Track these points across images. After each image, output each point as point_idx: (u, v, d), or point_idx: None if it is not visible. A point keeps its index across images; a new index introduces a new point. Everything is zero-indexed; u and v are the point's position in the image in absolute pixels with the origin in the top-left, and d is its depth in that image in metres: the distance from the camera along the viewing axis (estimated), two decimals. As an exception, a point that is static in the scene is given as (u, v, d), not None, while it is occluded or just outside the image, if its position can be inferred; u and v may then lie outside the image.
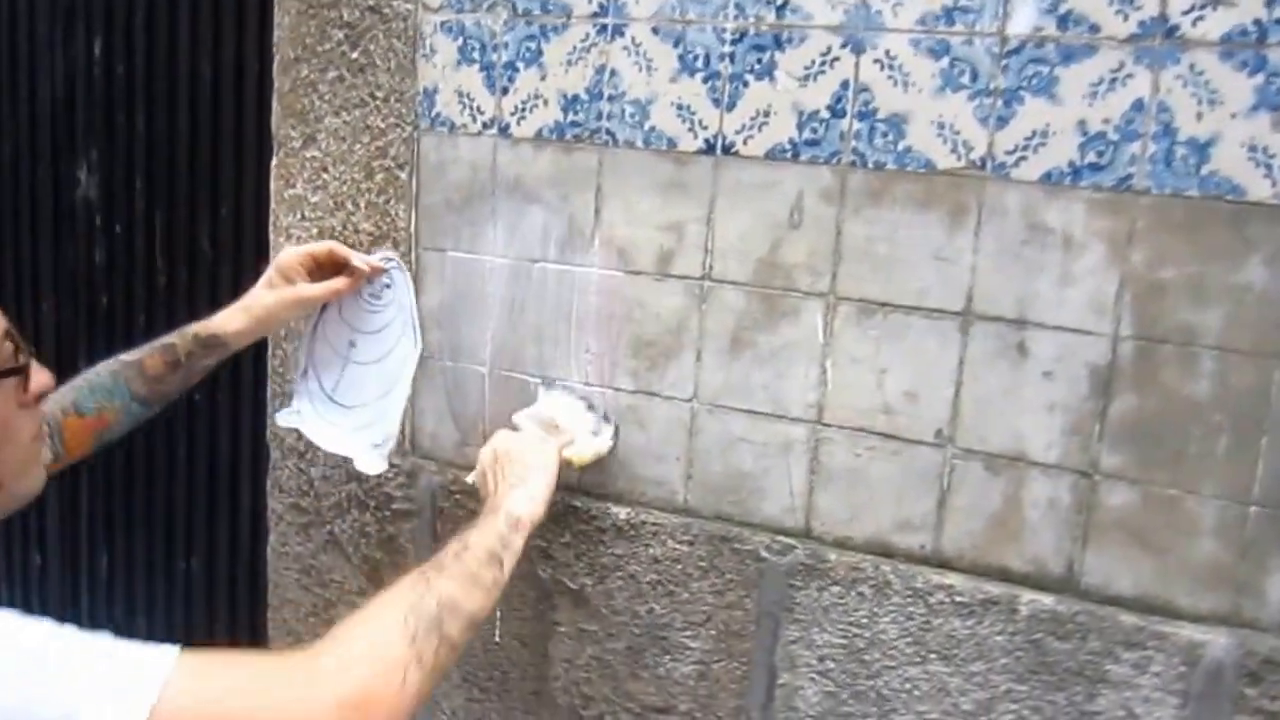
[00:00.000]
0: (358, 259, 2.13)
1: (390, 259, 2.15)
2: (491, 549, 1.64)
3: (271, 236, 2.37)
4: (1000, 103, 1.73)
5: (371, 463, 2.17)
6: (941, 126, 1.78)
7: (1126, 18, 1.65)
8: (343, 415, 2.17)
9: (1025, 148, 1.73)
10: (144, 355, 1.98)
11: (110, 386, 1.93)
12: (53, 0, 2.92)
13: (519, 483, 1.80)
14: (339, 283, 2.11)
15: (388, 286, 2.12)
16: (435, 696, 2.36)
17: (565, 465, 1.94)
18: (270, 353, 2.41)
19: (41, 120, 3.00)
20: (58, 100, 2.96)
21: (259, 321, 2.12)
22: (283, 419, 2.24)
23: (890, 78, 1.80)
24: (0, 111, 3.09)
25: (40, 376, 1.35)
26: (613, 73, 1.99)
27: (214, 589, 2.94)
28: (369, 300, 2.13)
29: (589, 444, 1.97)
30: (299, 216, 2.31)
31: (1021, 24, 1.71)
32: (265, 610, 2.58)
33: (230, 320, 2.08)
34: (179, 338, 2.02)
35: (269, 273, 2.10)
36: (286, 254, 2.10)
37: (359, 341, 2.14)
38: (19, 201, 3.11)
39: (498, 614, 2.23)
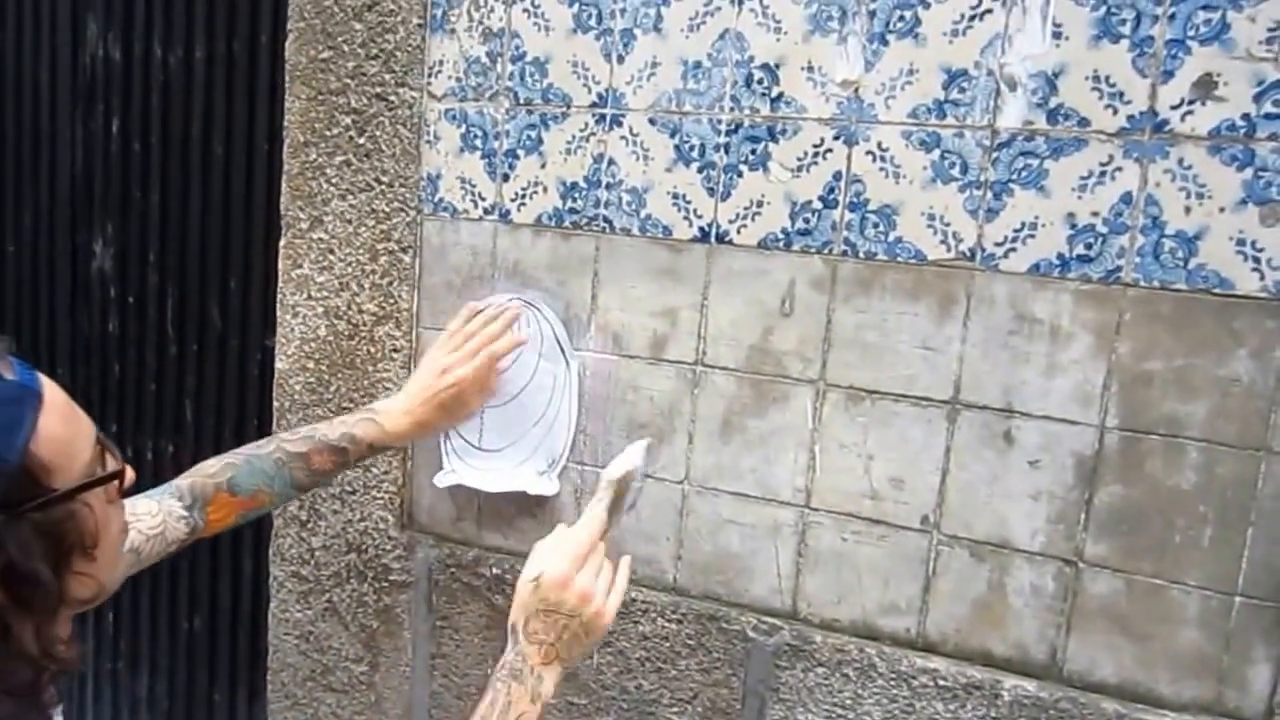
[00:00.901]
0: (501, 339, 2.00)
1: (505, 305, 2.04)
2: None
3: (279, 314, 2.28)
4: (990, 195, 1.66)
5: (544, 487, 2.05)
6: (932, 218, 1.70)
7: (1116, 112, 1.58)
8: (497, 459, 2.06)
9: (1014, 239, 1.66)
10: (310, 450, 1.87)
11: (272, 473, 1.84)
12: (74, 80, 2.86)
13: (565, 655, 1.49)
14: (491, 387, 2.00)
15: None
16: (427, 764, 2.27)
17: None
18: (275, 423, 2.32)
19: (60, 195, 2.94)
20: (76, 176, 2.90)
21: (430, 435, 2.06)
22: (441, 480, 2.12)
23: (882, 169, 1.73)
24: (21, 186, 3.03)
25: (128, 475, 1.28)
26: (610, 161, 1.92)
27: (215, 650, 2.84)
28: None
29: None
30: (305, 296, 2.23)
31: (1012, 118, 1.64)
32: (264, 673, 2.49)
33: (405, 436, 1.96)
34: (351, 444, 1.90)
35: (446, 400, 1.94)
36: (465, 377, 1.94)
37: None
38: (38, 272, 3.05)
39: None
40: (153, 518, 1.68)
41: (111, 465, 1.24)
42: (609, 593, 1.53)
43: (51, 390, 1.17)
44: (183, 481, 1.77)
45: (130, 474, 1.28)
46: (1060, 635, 1.71)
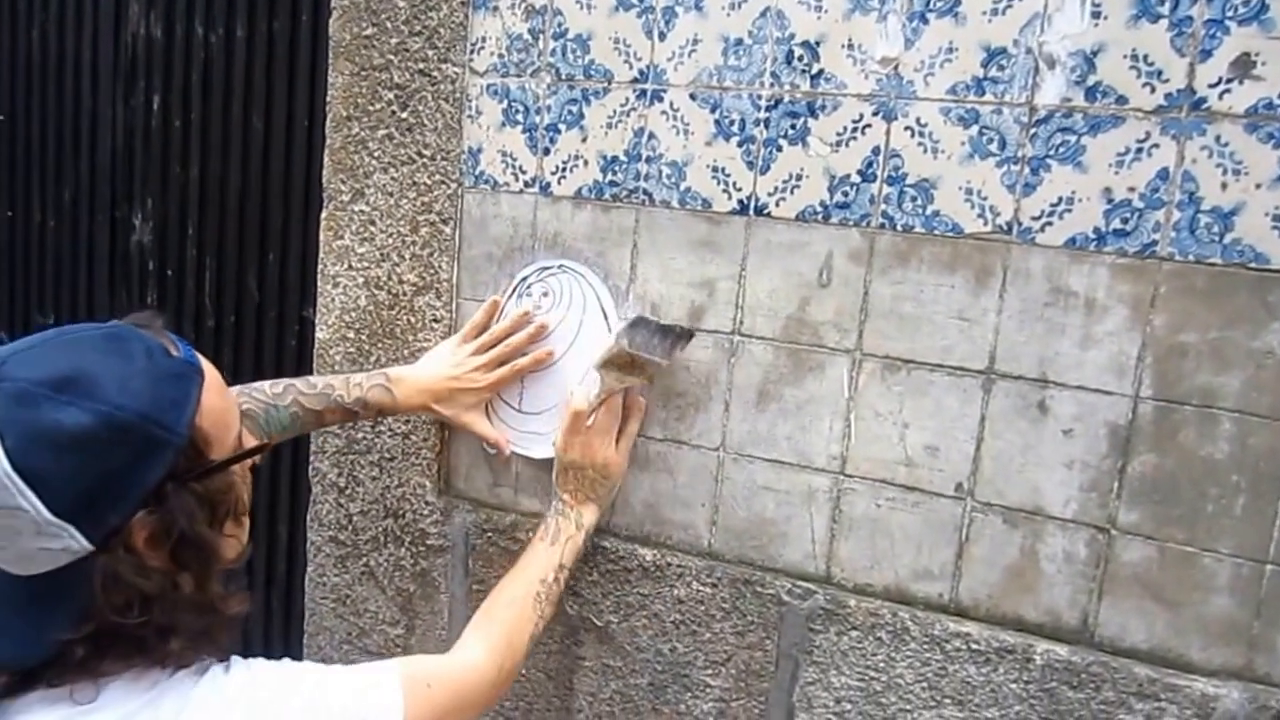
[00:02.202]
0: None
1: (547, 268, 2.03)
2: (572, 569, 1.89)
3: (319, 284, 2.26)
4: (1027, 170, 1.64)
5: (545, 450, 2.06)
6: (969, 192, 1.68)
7: (1154, 90, 1.56)
8: (536, 421, 2.06)
9: (1051, 214, 1.64)
10: (324, 409, 1.94)
11: (286, 424, 1.91)
12: (116, 58, 2.84)
13: (595, 496, 1.93)
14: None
15: (545, 295, 2.00)
16: (462, 724, 2.25)
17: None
18: (313, 393, 2.30)
19: (101, 170, 2.92)
20: (117, 151, 2.89)
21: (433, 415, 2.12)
22: (488, 447, 2.12)
23: (920, 144, 1.70)
24: (63, 162, 3.02)
25: (270, 447, 1.38)
26: (651, 136, 1.90)
27: (249, 615, 2.82)
28: (531, 314, 2.03)
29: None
30: (346, 266, 2.21)
31: (1050, 95, 1.62)
32: (300, 636, 2.48)
33: (414, 409, 2.06)
34: (362, 408, 1.98)
35: (458, 393, 2.03)
36: (483, 383, 2.03)
37: (529, 353, 2.03)
38: (78, 246, 3.04)
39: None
40: None
41: (249, 438, 1.30)
42: (617, 441, 1.93)
43: (209, 368, 1.22)
44: None
45: (269, 445, 1.34)
46: (1092, 601, 1.69)
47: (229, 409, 1.24)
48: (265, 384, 1.93)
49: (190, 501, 1.15)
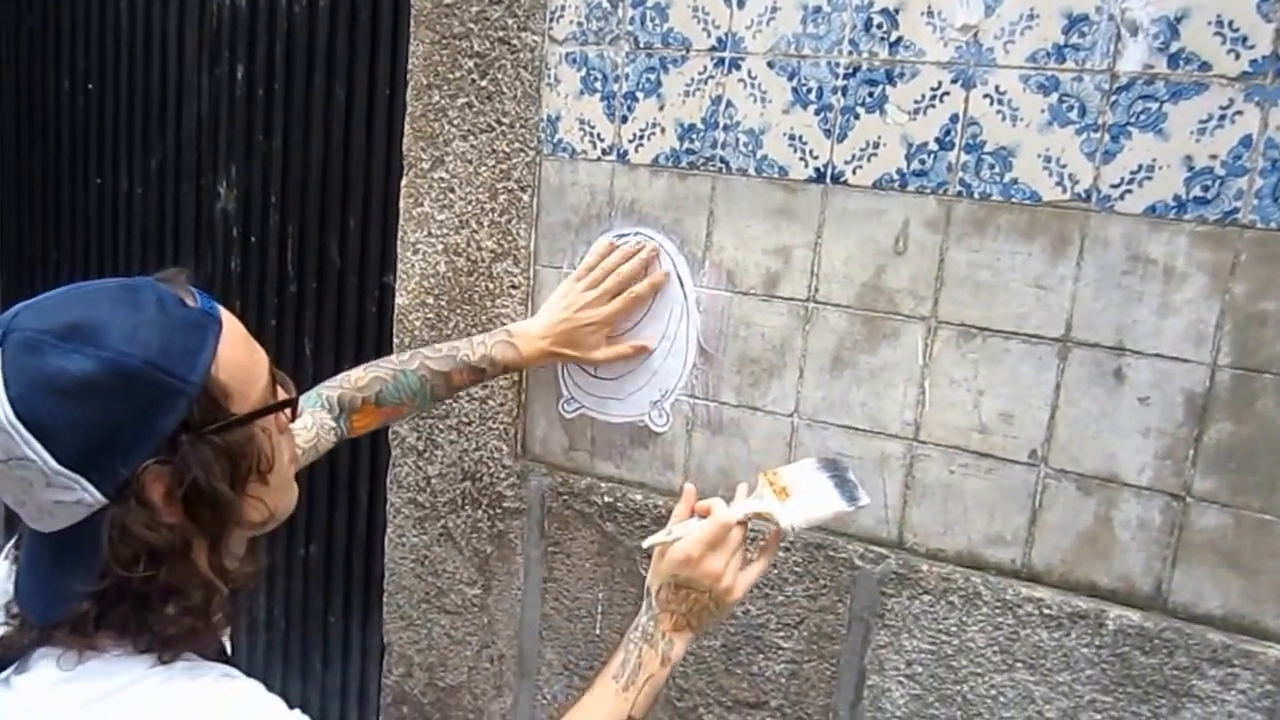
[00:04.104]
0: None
1: (624, 235, 2.02)
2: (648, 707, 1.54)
3: (399, 250, 2.27)
4: (1108, 138, 1.61)
5: (655, 419, 2.06)
6: (1048, 160, 1.65)
7: (1238, 56, 1.52)
8: (611, 386, 2.08)
9: (1131, 181, 1.61)
10: (452, 370, 1.94)
11: (417, 389, 1.92)
12: (200, 28, 2.85)
13: (695, 624, 1.55)
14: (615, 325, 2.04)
15: None
16: (537, 682, 2.26)
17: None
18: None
19: (187, 139, 2.94)
20: (202, 121, 2.90)
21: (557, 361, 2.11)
22: (566, 409, 2.15)
23: (999, 112, 1.68)
24: (149, 131, 3.04)
25: (298, 403, 1.32)
26: (728, 103, 1.88)
27: (330, 574, 2.84)
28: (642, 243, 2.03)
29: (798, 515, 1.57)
30: (426, 233, 2.21)
31: (1132, 62, 1.59)
32: (379, 595, 2.50)
33: (537, 361, 2.04)
34: (490, 365, 1.97)
35: (578, 334, 2.00)
36: (602, 315, 1.99)
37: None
38: (164, 213, 3.05)
39: (599, 607, 2.13)
40: (308, 431, 1.76)
41: (282, 395, 1.26)
42: (740, 571, 1.54)
43: (230, 319, 1.18)
44: (331, 393, 1.84)
45: (299, 403, 1.30)
46: (1166, 568, 1.66)
47: (254, 363, 1.19)
48: (392, 355, 1.95)
49: (207, 454, 1.11)
